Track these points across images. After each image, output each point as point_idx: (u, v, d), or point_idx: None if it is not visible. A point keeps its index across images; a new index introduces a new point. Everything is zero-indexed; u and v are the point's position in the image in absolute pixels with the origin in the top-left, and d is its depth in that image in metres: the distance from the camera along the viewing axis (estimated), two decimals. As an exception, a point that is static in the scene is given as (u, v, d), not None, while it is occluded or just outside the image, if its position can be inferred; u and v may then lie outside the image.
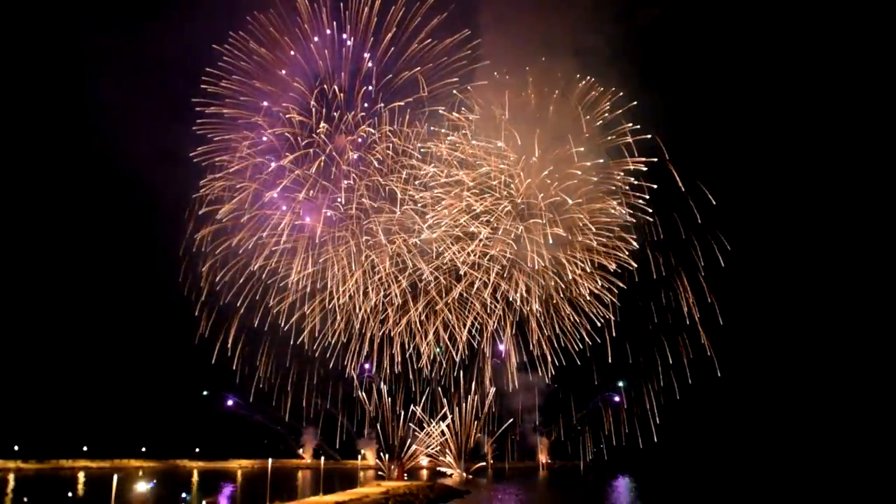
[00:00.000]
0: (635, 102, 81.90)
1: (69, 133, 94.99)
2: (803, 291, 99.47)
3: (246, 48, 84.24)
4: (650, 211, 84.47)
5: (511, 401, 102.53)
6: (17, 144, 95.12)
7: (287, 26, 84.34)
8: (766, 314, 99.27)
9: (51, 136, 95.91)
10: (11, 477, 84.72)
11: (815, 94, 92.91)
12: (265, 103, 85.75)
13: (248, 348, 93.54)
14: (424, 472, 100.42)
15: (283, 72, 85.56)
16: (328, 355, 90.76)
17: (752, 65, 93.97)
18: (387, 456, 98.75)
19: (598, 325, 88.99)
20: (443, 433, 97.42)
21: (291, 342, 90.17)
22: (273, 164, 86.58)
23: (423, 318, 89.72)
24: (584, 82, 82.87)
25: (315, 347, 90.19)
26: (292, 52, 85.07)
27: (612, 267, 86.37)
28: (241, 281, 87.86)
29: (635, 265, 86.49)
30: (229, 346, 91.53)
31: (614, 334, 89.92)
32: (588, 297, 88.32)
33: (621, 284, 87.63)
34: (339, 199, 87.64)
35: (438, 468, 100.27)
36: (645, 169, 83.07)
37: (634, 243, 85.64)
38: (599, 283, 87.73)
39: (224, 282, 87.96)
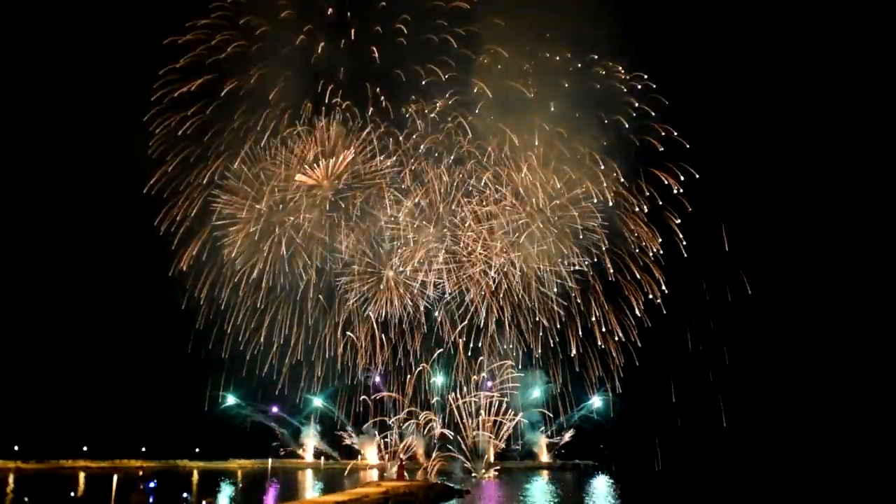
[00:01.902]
0: (667, 101, 76.57)
1: (71, 133, 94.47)
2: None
3: (210, 38, 74.31)
4: (685, 243, 76.74)
5: (511, 400, 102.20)
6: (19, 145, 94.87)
7: (264, 9, 74.59)
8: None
9: (51, 137, 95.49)
10: (11, 477, 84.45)
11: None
12: (236, 116, 77.21)
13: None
14: (425, 473, 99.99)
15: (260, 70, 75.41)
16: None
17: (769, 67, 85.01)
18: (387, 456, 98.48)
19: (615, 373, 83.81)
20: (443, 434, 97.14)
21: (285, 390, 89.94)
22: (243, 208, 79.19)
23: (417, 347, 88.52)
24: (597, 68, 78.26)
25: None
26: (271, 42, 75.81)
27: (638, 308, 78.72)
28: (226, 329, 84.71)
29: (664, 309, 77.63)
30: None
31: (621, 390, 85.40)
32: (601, 346, 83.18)
33: (647, 323, 79.54)
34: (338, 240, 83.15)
35: (439, 468, 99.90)
36: (677, 191, 76.22)
37: (663, 282, 76.94)
38: (618, 336, 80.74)
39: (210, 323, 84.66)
